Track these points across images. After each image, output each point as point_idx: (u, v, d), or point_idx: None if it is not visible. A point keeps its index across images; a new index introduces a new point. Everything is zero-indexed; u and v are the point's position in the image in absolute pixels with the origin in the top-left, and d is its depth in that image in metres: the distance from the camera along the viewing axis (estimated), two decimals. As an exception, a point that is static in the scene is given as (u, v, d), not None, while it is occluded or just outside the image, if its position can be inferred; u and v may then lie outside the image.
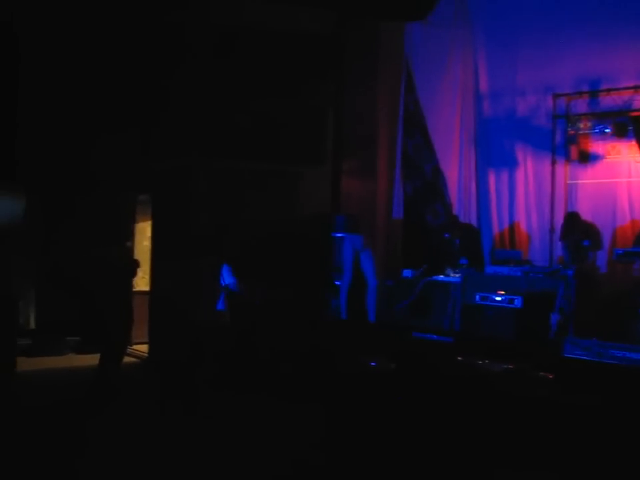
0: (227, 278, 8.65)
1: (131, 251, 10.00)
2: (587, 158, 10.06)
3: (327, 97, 10.27)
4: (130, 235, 10.91)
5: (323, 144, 10.24)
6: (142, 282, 11.27)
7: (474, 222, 10.80)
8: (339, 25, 10.29)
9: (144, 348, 10.68)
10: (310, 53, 9.95)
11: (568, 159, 10.18)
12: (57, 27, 9.92)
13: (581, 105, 10.02)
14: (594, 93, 9.87)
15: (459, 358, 7.61)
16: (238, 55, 9.75)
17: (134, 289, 11.28)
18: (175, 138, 10.02)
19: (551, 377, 6.87)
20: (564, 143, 10.16)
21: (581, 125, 9.95)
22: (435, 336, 8.44)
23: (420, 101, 10.92)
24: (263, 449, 6.29)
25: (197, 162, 9.87)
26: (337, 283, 9.89)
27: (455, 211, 10.81)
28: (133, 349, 10.94)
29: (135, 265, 8.87)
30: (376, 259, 9.85)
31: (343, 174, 10.50)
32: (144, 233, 11.35)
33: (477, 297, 8.87)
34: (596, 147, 9.98)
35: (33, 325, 11.01)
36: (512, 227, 10.61)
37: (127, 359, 10.44)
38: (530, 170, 10.51)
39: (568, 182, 10.19)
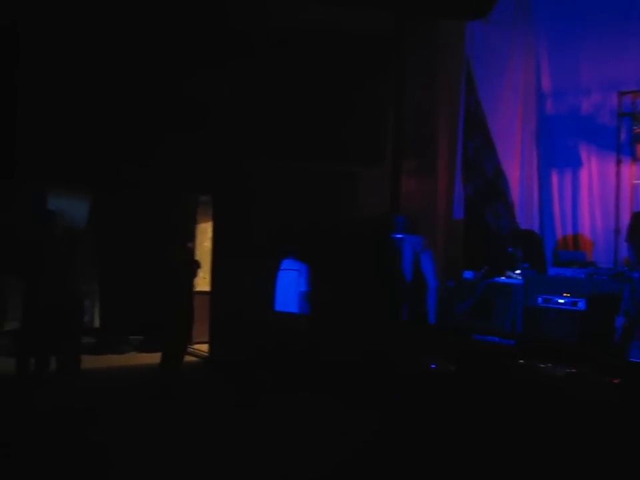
0: (302, 280, 8.70)
1: (192, 251, 10.12)
2: (653, 157, 9.82)
3: (387, 98, 10.23)
4: (191, 236, 11.03)
5: (382, 144, 10.20)
6: (203, 282, 11.39)
7: (536, 222, 10.63)
8: (398, 25, 10.24)
9: (205, 347, 10.79)
10: (370, 53, 9.93)
11: (634, 157, 9.94)
12: (132, 29, 10.08)
13: (647, 103, 9.79)
14: (661, 90, 9.64)
15: (521, 361, 7.50)
16: (299, 57, 9.78)
17: (195, 289, 11.46)
18: (236, 139, 10.10)
19: (615, 381, 6.72)
20: (629, 141, 9.92)
21: (647, 123, 9.72)
22: (496, 338, 8.34)
23: (481, 101, 10.80)
24: (320, 449, 6.30)
25: (258, 163, 9.92)
26: (396, 284, 9.84)
27: (517, 211, 10.67)
28: (193, 349, 11.08)
29: (196, 265, 8.98)
30: (436, 260, 9.77)
31: (402, 174, 10.44)
32: (205, 233, 11.48)
33: (540, 299, 8.72)
34: (663, 145, 9.73)
35: (97, 323, 11.24)
36: (575, 228, 10.42)
37: (187, 359, 10.60)
38: (594, 169, 10.30)
39: (634, 182, 9.95)
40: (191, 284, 8.87)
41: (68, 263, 9.00)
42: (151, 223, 10.70)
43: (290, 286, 8.77)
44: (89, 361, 9.50)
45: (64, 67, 10.20)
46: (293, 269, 8.79)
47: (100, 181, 11.19)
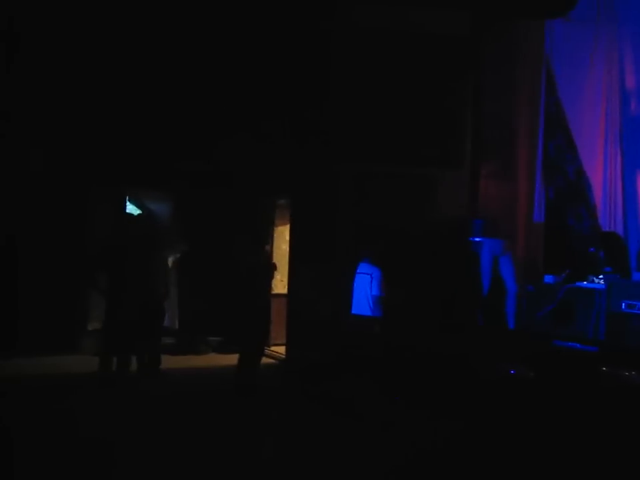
0: (375, 284, 8.68)
1: (269, 254, 10.19)
2: None
3: (465, 99, 10.11)
4: (269, 239, 11.12)
5: (461, 147, 10.08)
6: (280, 285, 11.47)
7: (620, 226, 10.34)
8: (476, 25, 10.11)
9: (282, 350, 10.85)
10: (447, 55, 9.84)
11: None
12: (215, 29, 10.26)
13: None
14: None
15: (604, 369, 7.30)
16: (379, 59, 9.76)
17: (272, 292, 11.55)
18: (317, 142, 10.15)
19: None
20: None
21: None
22: (577, 345, 8.14)
23: (561, 101, 10.57)
24: (396, 454, 6.26)
25: (338, 166, 9.94)
26: (475, 288, 9.72)
27: (600, 214, 10.40)
28: (271, 351, 11.16)
29: (272, 268, 9.03)
30: (516, 264, 9.61)
31: (481, 177, 10.31)
32: (282, 236, 11.56)
33: (623, 305, 8.48)
34: None
35: (176, 324, 11.44)
36: (662, 231, 10.10)
37: (265, 360, 10.68)
38: (681, 170, 9.98)
39: None
40: (267, 286, 8.93)
41: (150, 264, 9.18)
42: (230, 225, 10.83)
43: (364, 289, 8.75)
44: (168, 361, 9.67)
45: (149, 71, 10.44)
46: (367, 273, 8.76)
47: (182, 183, 11.42)
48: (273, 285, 11.49)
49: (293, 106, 10.43)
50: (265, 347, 8.85)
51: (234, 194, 11.28)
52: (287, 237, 11.14)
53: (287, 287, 10.90)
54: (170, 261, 10.28)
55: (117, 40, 10.26)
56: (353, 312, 8.95)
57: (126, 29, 10.20)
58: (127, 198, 11.41)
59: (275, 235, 11.72)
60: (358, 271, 8.96)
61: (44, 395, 8.07)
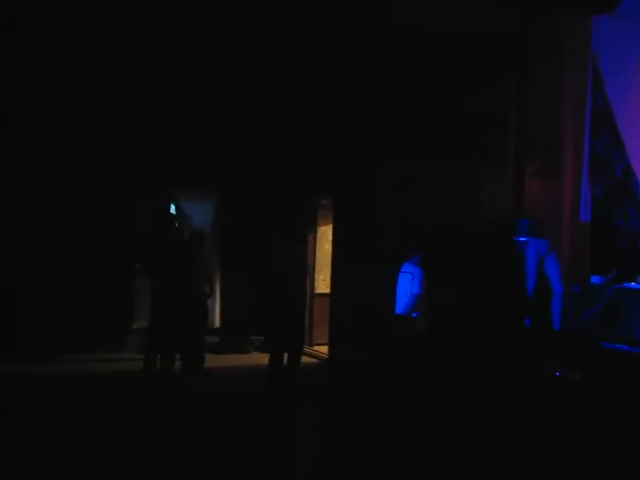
0: (416, 283, 8.63)
1: (304, 254, 10.13)
2: None
3: (510, 97, 9.99)
4: (304, 239, 11.08)
5: (505, 145, 9.97)
6: (323, 284, 11.48)
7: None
8: (521, 22, 9.98)
9: (325, 349, 10.85)
10: (491, 52, 9.73)
11: None
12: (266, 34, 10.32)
13: None
14: None
15: (652, 371, 7.18)
16: (422, 57, 9.70)
17: (315, 292, 11.57)
18: (360, 142, 10.14)
19: None
20: None
21: None
22: (625, 347, 8.00)
23: (608, 98, 10.38)
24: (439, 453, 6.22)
25: (381, 166, 9.91)
26: (519, 288, 9.61)
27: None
28: (313, 350, 11.17)
29: (306, 268, 9.01)
30: (561, 264, 9.48)
31: (526, 175, 10.18)
32: (325, 236, 11.55)
33: (672, 306, 8.32)
34: None
35: (220, 323, 11.51)
36: None
37: (307, 360, 10.69)
38: None
39: None
40: (301, 286, 8.92)
41: (193, 264, 9.26)
42: (268, 225, 10.87)
43: (406, 289, 8.70)
44: (211, 360, 9.74)
45: (192, 72, 10.53)
46: (409, 272, 8.71)
47: (224, 184, 11.49)
48: (315, 285, 11.57)
49: (335, 106, 10.42)
50: (300, 347, 8.83)
51: (274, 194, 11.31)
52: (330, 237, 11.13)
53: (329, 286, 10.89)
54: (213, 260, 10.35)
55: (158, 39, 10.36)
56: (396, 311, 8.90)
57: (168, 30, 10.29)
58: (170, 199, 11.51)
59: (317, 235, 11.72)
60: (403, 270, 8.91)
61: (86, 391, 8.19)
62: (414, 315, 8.67)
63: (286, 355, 8.51)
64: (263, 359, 8.96)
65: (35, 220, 10.48)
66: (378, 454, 6.21)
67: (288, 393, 8.25)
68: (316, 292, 11.57)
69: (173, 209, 11.61)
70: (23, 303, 9.63)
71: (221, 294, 11.44)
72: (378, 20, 9.82)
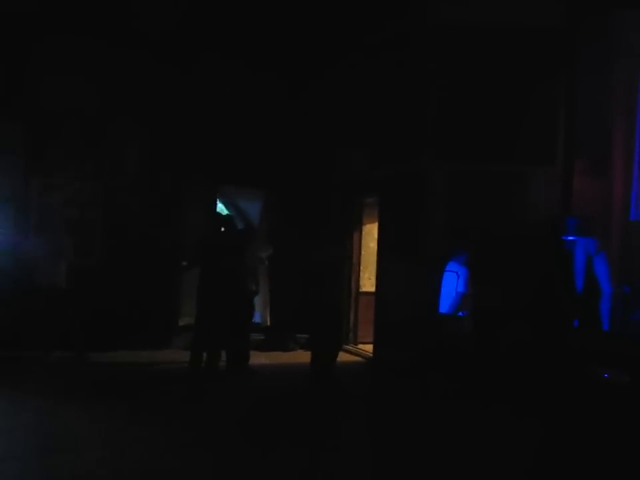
0: (461, 282, 8.57)
1: (344, 253, 10.11)
2: None
3: (558, 94, 9.84)
4: (346, 238, 11.07)
5: (554, 143, 9.82)
6: (368, 283, 11.47)
7: None
8: (570, 18, 9.82)
9: (369, 348, 10.84)
10: (540, 49, 9.59)
11: None
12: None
13: None
14: None
15: None
16: (470, 55, 9.61)
17: (360, 290, 11.57)
18: (405, 140, 10.09)
19: None
20: None
21: None
22: (677, 349, 7.83)
23: (661, 96, 10.16)
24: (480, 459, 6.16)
25: (428, 164, 9.85)
26: (568, 288, 9.45)
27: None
28: (358, 349, 11.17)
29: (342, 267, 8.99)
30: (611, 264, 9.30)
31: (575, 174, 10.01)
32: (371, 234, 11.53)
33: None
34: None
35: (266, 321, 11.56)
36: None
37: (352, 358, 10.71)
38: None
39: None
40: (338, 285, 8.91)
41: (240, 261, 9.31)
42: (317, 223, 10.89)
43: (452, 288, 8.64)
44: (257, 357, 9.80)
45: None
46: (454, 271, 8.65)
47: (271, 182, 11.55)
48: (360, 283, 11.57)
49: (383, 104, 10.40)
50: (338, 346, 8.84)
51: (320, 192, 11.33)
52: (376, 235, 11.10)
53: (374, 285, 10.87)
54: (260, 258, 10.39)
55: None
56: (441, 310, 8.86)
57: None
58: (218, 196, 11.61)
59: (363, 233, 11.71)
60: (449, 269, 8.85)
61: (134, 388, 8.31)
62: (460, 314, 8.62)
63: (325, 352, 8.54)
64: (307, 357, 8.99)
65: (85, 217, 10.67)
66: (420, 455, 6.19)
67: (330, 390, 8.27)
68: (361, 290, 11.57)
69: (221, 207, 11.73)
70: (73, 300, 9.79)
71: (267, 292, 11.49)
72: (431, 19, 9.76)
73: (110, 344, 10.19)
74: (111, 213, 10.76)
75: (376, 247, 10.98)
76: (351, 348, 11.18)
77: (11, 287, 9.79)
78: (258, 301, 10.36)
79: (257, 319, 10.44)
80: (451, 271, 8.76)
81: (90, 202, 10.72)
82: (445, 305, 8.79)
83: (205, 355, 9.13)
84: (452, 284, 8.71)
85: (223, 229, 9.50)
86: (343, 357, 9.95)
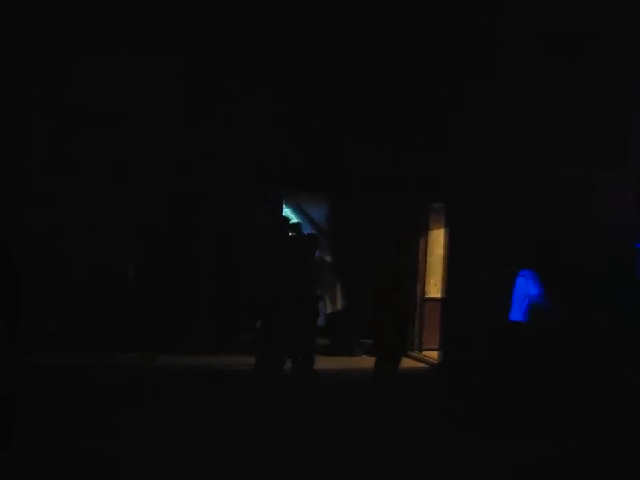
0: (531, 289, 8.42)
1: (407, 259, 10.02)
2: None
3: (629, 96, 9.60)
4: (409, 244, 10.97)
5: (625, 147, 9.59)
6: (434, 289, 11.36)
7: None
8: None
9: (435, 354, 10.73)
10: (610, 48, 9.39)
11: None
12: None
13: None
14: None
15: None
16: (535, 56, 9.47)
17: (426, 296, 11.46)
18: (473, 145, 10.00)
19: None
20: None
21: None
22: None
23: None
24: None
25: (496, 169, 9.74)
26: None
27: None
28: (423, 355, 11.07)
29: (408, 273, 8.92)
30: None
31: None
32: (437, 240, 11.43)
33: None
34: None
35: (330, 326, 11.54)
36: None
37: (417, 365, 10.61)
38: None
39: None
40: (408, 290, 8.84)
41: (305, 266, 9.34)
42: (382, 228, 10.85)
43: (520, 295, 8.48)
44: (321, 362, 9.81)
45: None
46: (523, 277, 8.49)
47: (335, 187, 11.55)
48: (426, 289, 11.47)
49: (447, 108, 10.31)
50: (401, 352, 8.77)
51: (385, 197, 11.29)
52: (442, 241, 11.00)
53: (440, 291, 10.77)
54: (325, 263, 10.42)
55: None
56: (510, 317, 8.70)
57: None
58: (284, 201, 11.68)
59: (429, 239, 11.61)
60: (517, 275, 8.70)
61: (202, 388, 8.42)
62: (528, 320, 8.45)
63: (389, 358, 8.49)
64: (371, 362, 8.95)
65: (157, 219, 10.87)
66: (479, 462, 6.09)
67: (391, 396, 8.21)
68: (426, 296, 11.47)
69: (288, 212, 11.79)
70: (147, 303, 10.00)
71: (332, 297, 11.49)
72: (499, 20, 9.65)
73: (174, 346, 10.36)
74: (178, 217, 10.91)
75: (442, 253, 10.88)
76: (415, 354, 11.09)
77: None
78: (322, 306, 10.37)
79: (321, 323, 10.44)
80: (521, 277, 8.60)
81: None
82: (514, 311, 8.62)
83: (270, 358, 9.16)
84: (521, 290, 8.54)
85: (289, 234, 9.56)
86: (407, 363, 9.87)
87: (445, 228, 10.93)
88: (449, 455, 6.25)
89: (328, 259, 10.61)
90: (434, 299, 11.13)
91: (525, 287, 8.46)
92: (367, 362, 9.81)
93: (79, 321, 10.09)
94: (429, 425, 7.27)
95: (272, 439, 6.45)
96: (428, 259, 11.54)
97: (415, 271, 9.04)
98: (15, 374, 7.03)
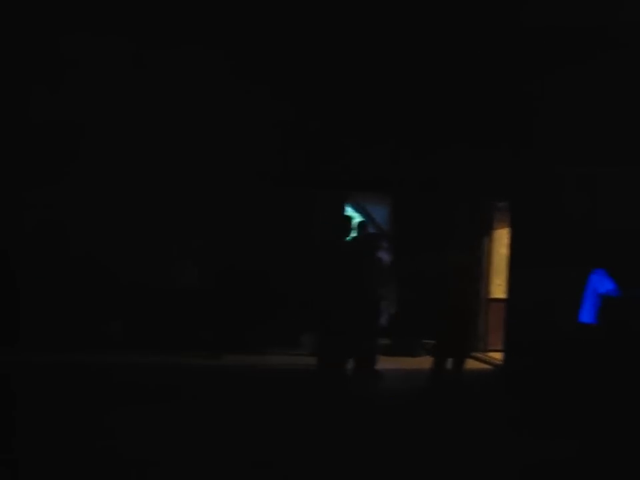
0: (599, 289, 8.23)
1: (471, 259, 9.91)
2: None
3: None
4: (476, 244, 10.85)
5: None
6: (498, 289, 11.23)
7: None
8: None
9: (499, 356, 10.60)
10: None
11: None
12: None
13: None
14: None
15: None
16: (600, 56, 9.27)
17: (490, 297, 11.33)
18: (536, 143, 9.84)
19: None
20: None
21: None
22: None
23: None
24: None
25: (564, 169, 9.57)
26: None
27: None
28: (487, 356, 10.96)
29: (471, 273, 8.81)
30: None
31: None
32: (501, 240, 11.29)
33: None
34: None
35: (393, 326, 11.50)
36: None
37: (481, 366, 10.50)
38: None
39: None
40: (470, 290, 8.74)
41: (368, 266, 9.32)
42: (445, 228, 10.76)
43: (589, 295, 8.30)
44: (383, 362, 9.77)
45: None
46: (592, 278, 8.31)
47: (399, 187, 11.51)
48: (490, 290, 11.34)
49: (512, 107, 10.18)
50: (465, 353, 8.68)
51: (449, 197, 11.19)
52: (506, 241, 10.86)
53: (505, 291, 10.63)
54: (388, 263, 10.36)
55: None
56: (579, 319, 8.51)
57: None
58: (347, 201, 11.68)
59: (493, 238, 11.47)
60: (582, 275, 8.53)
61: (265, 387, 8.47)
62: (598, 322, 8.26)
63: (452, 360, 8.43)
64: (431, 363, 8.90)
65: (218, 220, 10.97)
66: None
67: (450, 397, 8.14)
68: (491, 297, 11.34)
69: (351, 211, 11.79)
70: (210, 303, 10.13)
71: (395, 297, 11.43)
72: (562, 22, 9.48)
73: (239, 345, 10.45)
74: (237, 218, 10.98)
75: (506, 253, 10.73)
76: (480, 355, 10.97)
77: None
78: (385, 306, 10.32)
79: (384, 323, 10.40)
80: (589, 278, 8.42)
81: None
82: (582, 313, 8.43)
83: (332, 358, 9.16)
84: (589, 291, 8.35)
85: (353, 234, 9.56)
86: (471, 364, 9.77)
87: (509, 227, 10.78)
88: (500, 461, 6.15)
89: (391, 258, 10.52)
90: (498, 300, 11.01)
91: (596, 287, 8.27)
92: (428, 362, 9.76)
93: (144, 322, 10.26)
94: (486, 429, 7.16)
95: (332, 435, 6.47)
96: (492, 259, 11.41)
97: (479, 272, 8.92)
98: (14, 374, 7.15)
